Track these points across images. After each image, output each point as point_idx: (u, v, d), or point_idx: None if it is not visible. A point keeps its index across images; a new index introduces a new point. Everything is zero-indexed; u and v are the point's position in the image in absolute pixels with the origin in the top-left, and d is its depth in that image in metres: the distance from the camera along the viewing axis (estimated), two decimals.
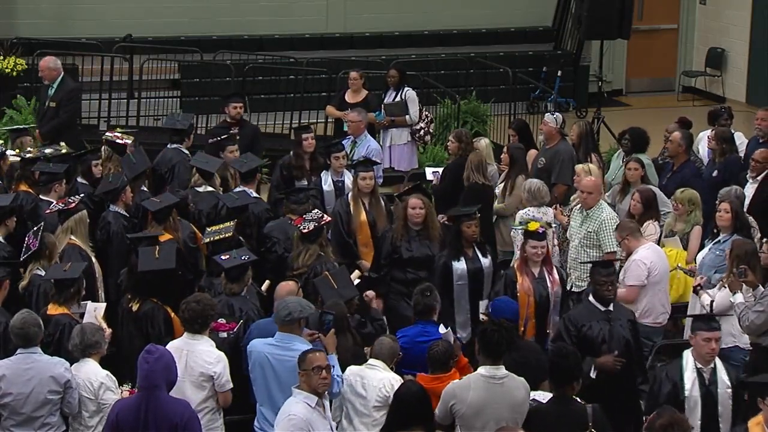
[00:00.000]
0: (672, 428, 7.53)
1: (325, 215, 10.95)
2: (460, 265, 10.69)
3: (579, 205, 11.71)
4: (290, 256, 10.75)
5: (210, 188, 11.97)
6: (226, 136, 13.31)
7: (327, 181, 12.60)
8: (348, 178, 12.47)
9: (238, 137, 13.40)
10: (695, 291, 10.57)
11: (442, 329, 9.13)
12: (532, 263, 10.33)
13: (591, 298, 9.65)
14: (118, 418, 7.89)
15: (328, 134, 16.38)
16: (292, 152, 13.11)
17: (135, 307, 9.56)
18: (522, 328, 9.96)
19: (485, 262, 10.83)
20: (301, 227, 10.59)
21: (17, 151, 12.72)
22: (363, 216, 11.74)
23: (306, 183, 12.64)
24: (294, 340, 8.71)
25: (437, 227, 11.29)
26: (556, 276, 10.40)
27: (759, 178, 12.63)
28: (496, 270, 11.33)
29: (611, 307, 9.54)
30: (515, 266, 10.51)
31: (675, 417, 7.64)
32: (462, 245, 10.77)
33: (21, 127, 13.85)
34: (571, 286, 11.20)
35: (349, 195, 11.96)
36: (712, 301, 10.23)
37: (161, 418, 7.77)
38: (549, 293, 10.26)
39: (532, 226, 10.44)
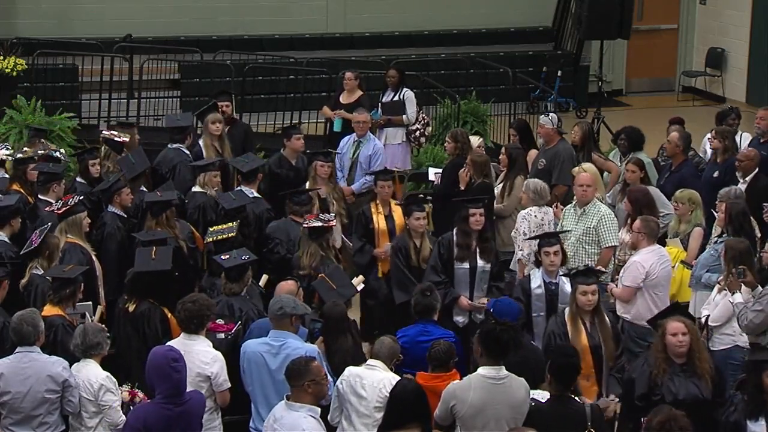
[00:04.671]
0: (669, 424, 7.53)
1: (332, 221, 10.92)
2: (758, 429, 8.21)
3: (572, 204, 11.72)
4: (296, 255, 10.76)
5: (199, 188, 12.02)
6: (293, 124, 13.42)
7: (537, 281, 10.36)
8: (565, 282, 10.24)
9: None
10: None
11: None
12: None
13: None
14: (146, 426, 7.85)
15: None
16: (455, 228, 11.06)
17: (131, 308, 9.57)
18: None
19: None
20: (306, 222, 10.64)
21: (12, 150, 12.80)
22: (584, 340, 9.46)
23: (468, 266, 10.85)
24: (288, 336, 8.75)
25: (707, 359, 8.81)
26: None
27: (748, 179, 12.66)
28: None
29: None
30: None
31: (672, 413, 7.63)
32: (765, 400, 8.28)
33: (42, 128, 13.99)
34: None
35: (566, 311, 9.74)
36: (707, 316, 10.21)
37: (192, 414, 7.92)
38: None
39: None
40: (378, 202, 12.07)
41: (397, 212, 11.95)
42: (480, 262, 10.85)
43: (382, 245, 11.86)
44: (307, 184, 12.34)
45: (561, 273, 10.25)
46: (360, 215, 12.07)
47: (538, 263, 10.35)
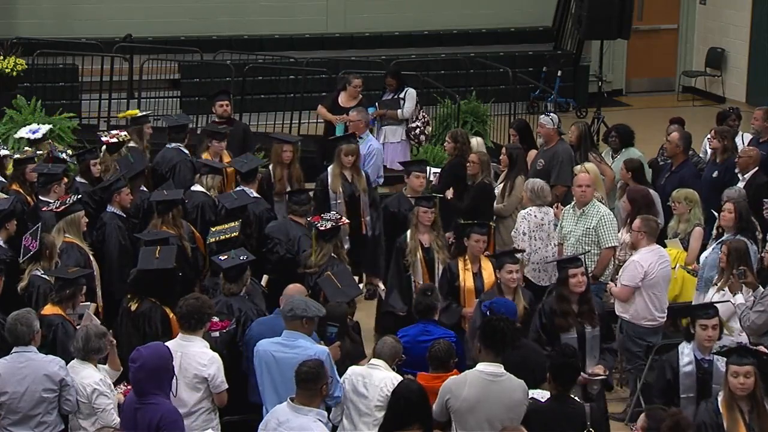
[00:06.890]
0: (679, 426, 7.48)
1: (344, 217, 10.87)
2: None
3: (571, 204, 11.73)
4: (304, 254, 10.72)
5: (200, 188, 12.01)
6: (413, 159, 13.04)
7: (687, 358, 8.93)
8: (720, 359, 8.72)
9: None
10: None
11: None
12: None
13: None
14: (121, 412, 8.16)
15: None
16: (554, 293, 9.96)
17: (134, 307, 9.58)
18: None
19: None
20: (319, 225, 10.58)
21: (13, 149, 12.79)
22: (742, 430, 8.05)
23: (575, 334, 9.61)
24: (298, 337, 8.70)
25: None
26: None
27: (747, 176, 12.67)
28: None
29: None
30: None
31: (677, 416, 7.58)
32: None
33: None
34: None
35: (719, 397, 8.22)
36: None
37: (145, 418, 7.90)
38: None
39: None
40: (467, 257, 10.77)
41: (488, 269, 10.66)
42: (588, 328, 9.65)
43: (470, 305, 10.50)
44: (408, 233, 11.22)
45: (713, 351, 8.94)
46: (445, 272, 10.84)
47: (689, 336, 9.02)
